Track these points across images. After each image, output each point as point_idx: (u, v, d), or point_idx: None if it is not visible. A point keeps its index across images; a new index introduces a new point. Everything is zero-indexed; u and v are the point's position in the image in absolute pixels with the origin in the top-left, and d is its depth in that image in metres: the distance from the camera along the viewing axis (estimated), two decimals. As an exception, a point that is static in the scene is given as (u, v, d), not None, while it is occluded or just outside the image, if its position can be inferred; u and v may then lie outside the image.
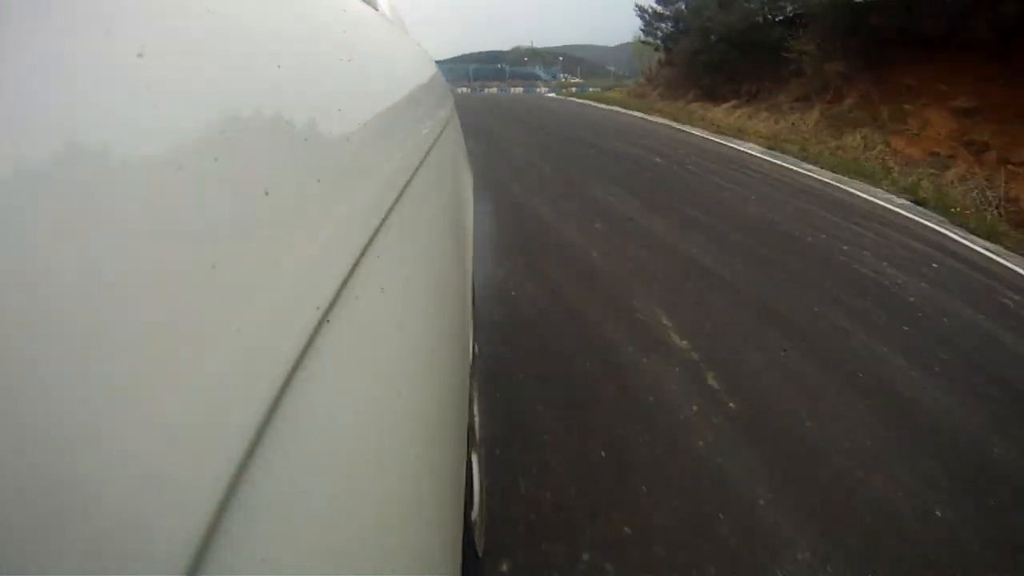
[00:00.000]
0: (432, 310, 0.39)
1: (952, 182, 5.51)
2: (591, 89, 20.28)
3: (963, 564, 1.22)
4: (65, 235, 0.13)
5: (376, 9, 0.77)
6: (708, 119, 8.73)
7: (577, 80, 33.48)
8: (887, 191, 5.09)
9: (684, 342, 2.04)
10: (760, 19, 9.18)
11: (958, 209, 4.66)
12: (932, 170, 5.75)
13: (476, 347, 1.11)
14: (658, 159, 5.50)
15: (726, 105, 9.48)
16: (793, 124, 7.54)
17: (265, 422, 0.16)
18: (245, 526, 0.15)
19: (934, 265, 3.17)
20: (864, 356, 2.05)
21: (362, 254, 0.27)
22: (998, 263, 3.46)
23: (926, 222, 4.21)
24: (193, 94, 0.19)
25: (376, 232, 0.30)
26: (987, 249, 3.73)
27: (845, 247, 3.26)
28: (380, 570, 0.21)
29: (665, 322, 2.18)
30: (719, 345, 2.04)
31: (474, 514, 0.74)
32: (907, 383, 1.91)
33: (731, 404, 1.70)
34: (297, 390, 0.18)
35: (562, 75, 40.19)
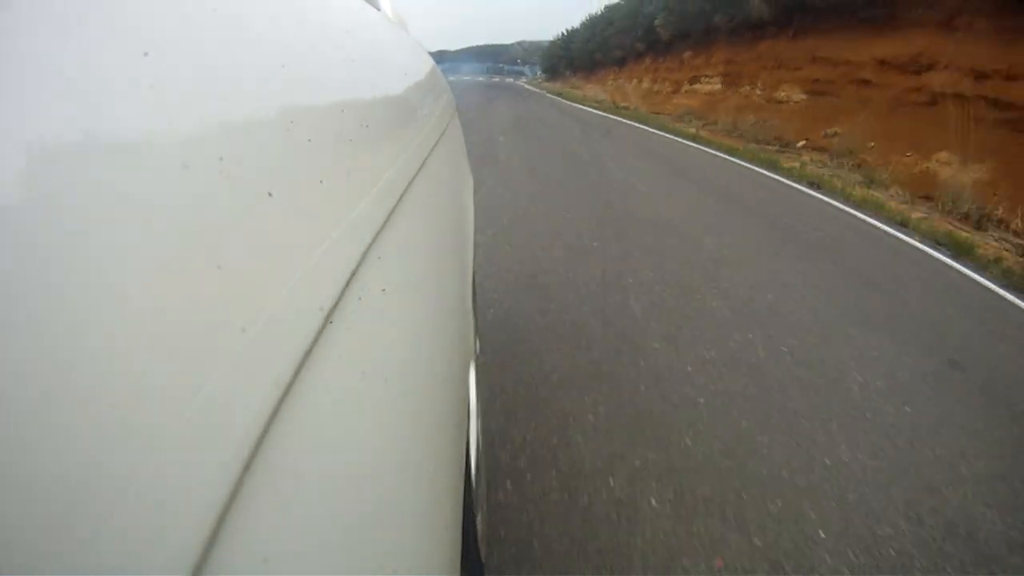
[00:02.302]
0: (433, 311, 0.40)
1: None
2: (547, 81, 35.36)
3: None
4: (68, 235, 0.13)
5: (378, 9, 0.77)
6: (546, 87, 26.36)
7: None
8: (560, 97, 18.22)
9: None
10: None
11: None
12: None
13: (479, 345, 1.16)
14: (522, 90, 23.12)
15: (554, 82, 29.35)
16: (571, 87, 21.73)
17: (269, 422, 0.17)
18: (248, 526, 0.15)
19: (553, 101, 16.10)
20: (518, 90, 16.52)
21: (364, 255, 0.27)
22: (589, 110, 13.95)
23: (593, 110, 13.32)
24: (198, 94, 0.19)
25: (378, 233, 0.30)
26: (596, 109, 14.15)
27: (544, 100, 16.44)
28: (382, 570, 0.22)
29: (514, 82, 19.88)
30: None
31: (477, 519, 0.76)
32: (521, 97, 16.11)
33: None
34: (301, 391, 0.19)
35: (539, 70, 55.45)
